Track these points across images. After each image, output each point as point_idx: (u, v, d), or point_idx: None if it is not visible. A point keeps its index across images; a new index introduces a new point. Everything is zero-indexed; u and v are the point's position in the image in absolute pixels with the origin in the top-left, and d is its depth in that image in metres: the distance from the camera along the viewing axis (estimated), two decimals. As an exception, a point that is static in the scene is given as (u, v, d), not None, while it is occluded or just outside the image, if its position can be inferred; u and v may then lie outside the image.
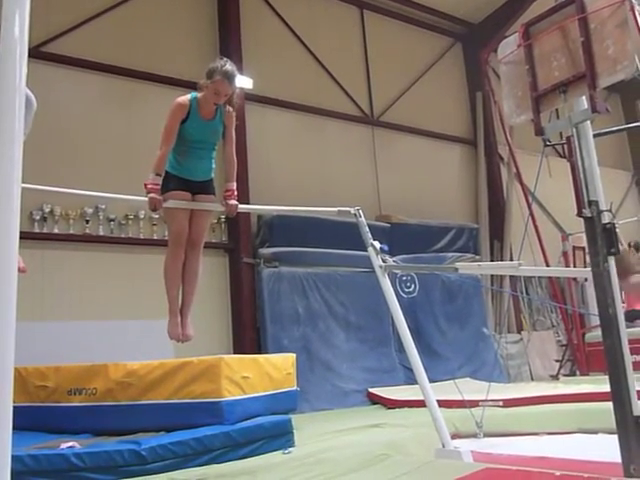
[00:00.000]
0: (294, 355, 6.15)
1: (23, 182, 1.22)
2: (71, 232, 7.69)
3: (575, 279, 10.97)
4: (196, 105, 3.61)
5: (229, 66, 3.56)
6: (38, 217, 7.42)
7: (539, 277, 12.27)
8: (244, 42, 9.55)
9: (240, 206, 3.90)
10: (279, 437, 4.87)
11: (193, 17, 9.44)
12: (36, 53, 7.47)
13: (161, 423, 4.73)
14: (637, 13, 2.97)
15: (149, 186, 3.56)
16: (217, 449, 4.45)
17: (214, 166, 3.88)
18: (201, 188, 3.78)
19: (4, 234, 1.11)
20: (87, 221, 7.82)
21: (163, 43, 8.94)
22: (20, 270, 1.26)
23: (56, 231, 7.58)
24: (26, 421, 4.87)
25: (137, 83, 8.64)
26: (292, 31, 10.46)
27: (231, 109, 3.70)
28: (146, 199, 3.57)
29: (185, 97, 3.62)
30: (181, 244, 3.75)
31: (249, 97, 9.34)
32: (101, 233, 7.92)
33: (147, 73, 8.69)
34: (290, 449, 4.77)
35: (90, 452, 4.09)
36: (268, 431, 4.82)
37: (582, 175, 3.16)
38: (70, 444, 4.28)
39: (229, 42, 9.39)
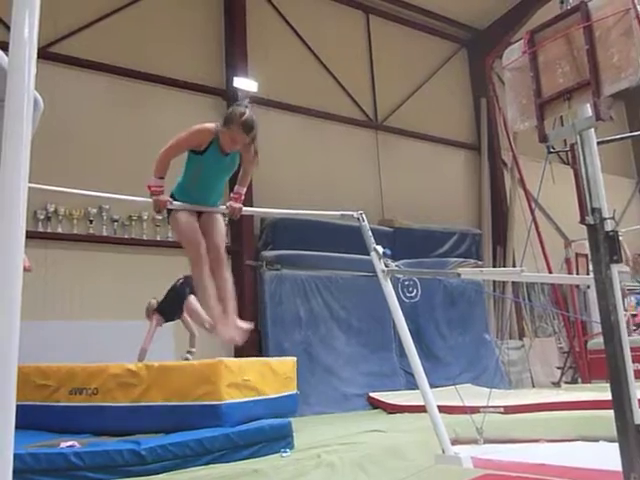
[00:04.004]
0: (294, 359, 6.14)
1: (29, 182, 1.23)
2: (75, 232, 7.72)
3: (577, 286, 10.96)
4: (217, 139, 3.46)
5: (248, 115, 3.36)
6: (42, 216, 7.45)
7: (541, 283, 12.25)
8: (250, 45, 9.58)
9: (244, 209, 3.84)
10: (279, 440, 4.87)
11: (200, 20, 9.48)
12: (43, 53, 7.49)
13: (161, 425, 4.73)
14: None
15: (152, 188, 3.49)
16: (217, 451, 4.45)
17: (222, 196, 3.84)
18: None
19: (11, 233, 1.12)
20: (91, 221, 7.85)
21: (170, 45, 8.97)
22: (25, 269, 1.27)
23: (60, 231, 7.61)
24: (27, 420, 4.87)
25: (143, 85, 8.67)
26: (298, 35, 10.49)
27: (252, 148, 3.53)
28: (151, 200, 3.54)
29: (212, 126, 3.45)
30: (203, 262, 3.62)
31: (254, 100, 9.30)
32: (104, 233, 7.95)
33: (153, 75, 8.72)
34: (288, 452, 4.77)
35: (90, 451, 4.10)
36: (268, 434, 4.82)
37: (585, 182, 3.16)
38: (70, 443, 4.29)
39: (235, 45, 9.43)
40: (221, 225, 3.81)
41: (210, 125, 3.46)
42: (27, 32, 1.20)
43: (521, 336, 11.69)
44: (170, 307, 6.27)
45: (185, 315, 6.35)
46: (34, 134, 1.37)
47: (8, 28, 1.30)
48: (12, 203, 1.13)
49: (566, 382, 10.27)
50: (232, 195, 3.77)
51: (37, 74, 1.25)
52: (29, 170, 1.24)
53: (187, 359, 6.25)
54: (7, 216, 1.12)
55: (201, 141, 3.43)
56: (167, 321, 6.35)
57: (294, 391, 5.91)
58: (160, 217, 8.33)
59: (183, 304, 6.19)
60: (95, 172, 7.75)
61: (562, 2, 3.24)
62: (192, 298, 6.07)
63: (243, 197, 3.78)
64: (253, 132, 3.39)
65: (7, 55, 1.26)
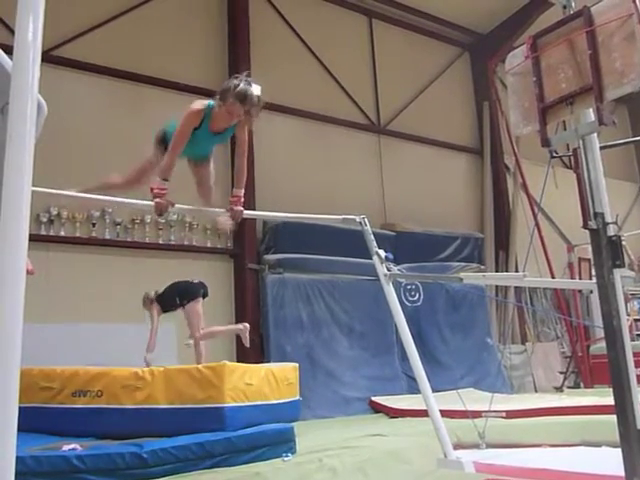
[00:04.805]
0: (297, 364, 6.14)
1: (32, 185, 1.24)
2: (77, 235, 7.73)
3: (580, 291, 10.94)
4: (210, 115, 3.48)
5: (243, 86, 3.36)
6: (45, 219, 7.46)
7: (544, 288, 12.23)
8: (253, 49, 9.60)
9: (245, 212, 3.81)
10: (281, 444, 4.85)
11: (203, 23, 9.50)
12: (46, 57, 7.52)
13: (163, 428, 4.72)
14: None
15: (155, 190, 3.46)
16: (219, 455, 4.44)
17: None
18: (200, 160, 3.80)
19: (14, 236, 1.12)
20: (93, 224, 7.86)
21: (173, 49, 9.00)
22: (28, 272, 1.27)
23: (62, 234, 7.62)
24: (29, 422, 4.87)
25: (146, 88, 8.69)
26: (301, 39, 10.51)
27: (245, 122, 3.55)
28: (152, 203, 3.54)
29: (202, 103, 3.47)
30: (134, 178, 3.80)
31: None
32: (107, 237, 7.96)
33: (156, 78, 8.74)
34: (290, 456, 4.76)
35: (92, 454, 4.10)
36: (270, 438, 4.81)
37: (588, 187, 3.16)
38: (72, 446, 4.28)
39: (238, 48, 9.45)
40: (211, 171, 3.89)
41: (198, 104, 3.50)
42: (31, 36, 1.20)
43: (523, 340, 11.66)
44: (173, 297, 6.19)
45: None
46: (38, 138, 1.37)
47: (12, 32, 1.31)
48: (16, 206, 1.13)
49: (568, 387, 10.25)
50: (231, 199, 3.72)
51: (40, 77, 1.25)
52: (33, 173, 1.24)
53: (188, 344, 6.25)
54: (11, 219, 1.12)
55: (196, 122, 3.48)
56: (164, 311, 6.24)
57: (297, 397, 5.90)
58: (163, 220, 8.35)
59: (188, 299, 6.12)
60: (97, 175, 7.74)
61: (565, 7, 3.25)
62: (201, 303, 6.14)
63: (243, 199, 3.74)
64: (248, 101, 3.36)
65: (11, 59, 1.27)
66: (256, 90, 3.41)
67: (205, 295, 6.27)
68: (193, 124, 3.48)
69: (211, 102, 3.49)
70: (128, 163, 8.12)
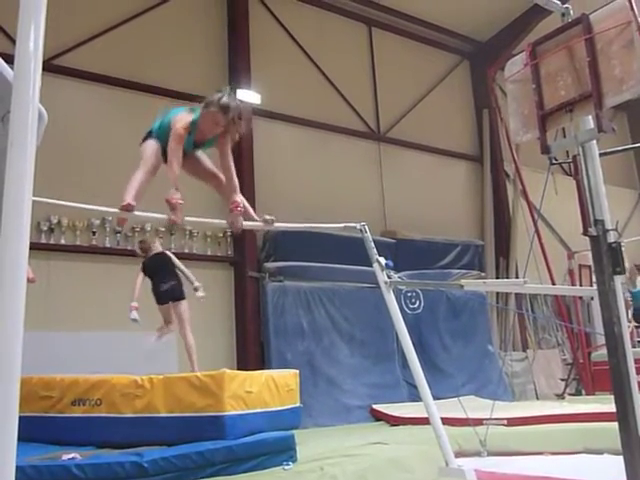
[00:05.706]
0: (297, 371, 6.12)
1: (33, 194, 1.24)
2: (78, 243, 7.73)
3: (581, 297, 10.93)
4: (195, 129, 3.56)
5: (226, 98, 3.48)
6: (45, 228, 7.47)
7: (545, 295, 12.22)
8: (253, 57, 9.63)
9: (245, 223, 3.74)
10: (282, 453, 4.83)
11: (203, 32, 9.54)
12: (47, 66, 7.55)
13: (163, 437, 4.70)
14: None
15: (174, 201, 3.36)
16: (219, 463, 4.42)
17: None
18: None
19: (15, 245, 1.12)
20: (94, 232, 7.86)
21: (173, 58, 9.03)
22: (29, 280, 1.27)
23: (63, 242, 7.62)
24: (29, 432, 4.85)
25: (147, 97, 8.71)
26: (300, 47, 10.55)
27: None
28: (163, 216, 3.49)
29: (187, 122, 3.54)
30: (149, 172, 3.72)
31: (257, 112, 9.40)
32: (107, 245, 7.96)
33: (156, 87, 8.76)
34: (290, 465, 4.73)
35: (92, 464, 4.09)
36: (271, 446, 4.79)
37: (588, 194, 3.16)
38: (72, 455, 4.26)
39: (238, 57, 9.48)
40: (201, 156, 3.84)
41: (184, 122, 3.54)
42: (32, 46, 1.21)
43: (524, 347, 11.64)
44: (155, 270, 6.28)
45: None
46: (38, 146, 1.38)
47: (13, 41, 1.32)
48: (17, 214, 1.13)
49: (570, 394, 10.21)
50: (231, 207, 3.63)
51: (41, 86, 1.26)
52: (33, 182, 1.24)
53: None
54: (11, 227, 1.13)
55: (185, 136, 3.55)
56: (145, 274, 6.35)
57: (297, 404, 5.88)
58: (162, 228, 8.35)
59: (163, 287, 6.22)
60: (98, 183, 7.76)
61: (563, 15, 3.26)
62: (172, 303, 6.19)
63: (241, 205, 3.69)
64: (231, 113, 3.48)
65: (12, 68, 1.27)
66: (238, 101, 3.56)
67: (175, 299, 6.28)
68: (183, 141, 3.54)
69: (195, 116, 3.56)
70: (127, 171, 8.08)
